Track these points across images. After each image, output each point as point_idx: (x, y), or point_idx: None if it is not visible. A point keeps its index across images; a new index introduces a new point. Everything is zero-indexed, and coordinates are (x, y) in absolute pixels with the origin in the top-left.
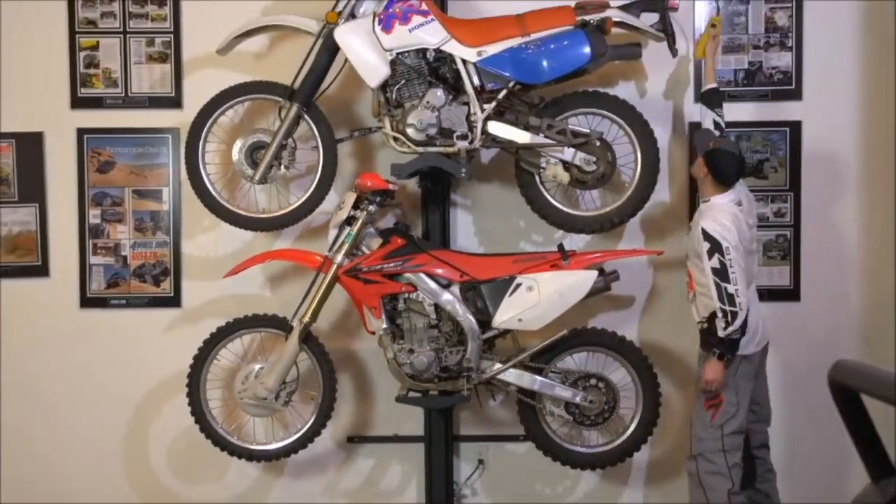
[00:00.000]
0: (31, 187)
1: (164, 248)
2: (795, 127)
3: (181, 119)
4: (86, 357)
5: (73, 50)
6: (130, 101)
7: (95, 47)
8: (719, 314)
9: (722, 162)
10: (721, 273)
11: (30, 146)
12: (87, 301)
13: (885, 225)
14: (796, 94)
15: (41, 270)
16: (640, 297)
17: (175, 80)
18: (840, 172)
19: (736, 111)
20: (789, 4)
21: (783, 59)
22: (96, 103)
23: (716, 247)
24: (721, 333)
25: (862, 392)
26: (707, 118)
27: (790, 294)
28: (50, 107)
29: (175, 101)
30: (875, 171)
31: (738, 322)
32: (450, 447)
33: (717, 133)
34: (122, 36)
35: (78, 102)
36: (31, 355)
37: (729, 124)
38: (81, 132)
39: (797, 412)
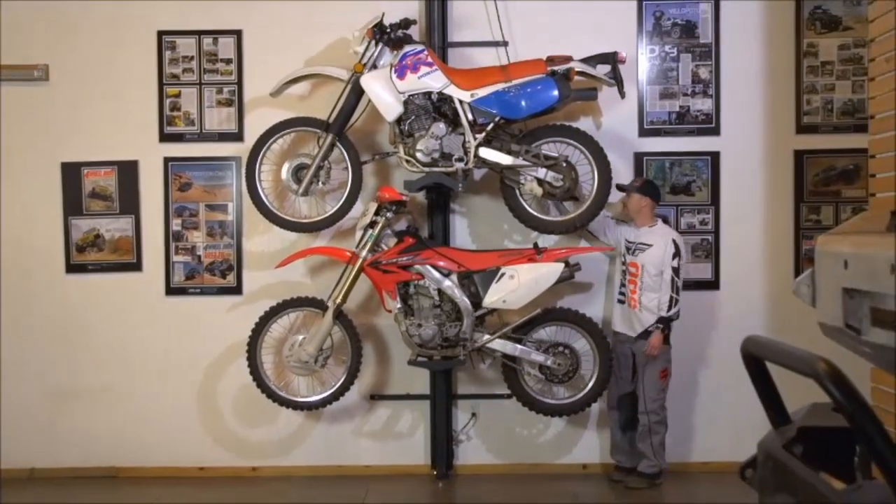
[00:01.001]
0: (129, 202)
1: (229, 249)
2: (715, 156)
3: (242, 149)
4: (169, 333)
5: (161, 97)
6: (204, 136)
7: (178, 95)
8: (670, 301)
9: (653, 188)
10: (677, 271)
11: (128, 171)
12: (171, 290)
13: (784, 231)
14: (716, 131)
15: (136, 266)
16: (597, 283)
17: (238, 120)
18: (749, 190)
19: (670, 144)
20: (710, 62)
21: (706, 104)
22: (178, 138)
23: (678, 253)
24: (667, 314)
25: (766, 360)
26: (600, 220)
27: (711, 285)
28: (143, 141)
29: (238, 136)
30: (776, 190)
31: (679, 306)
32: (450, 403)
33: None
34: (198, 86)
35: (164, 137)
36: (128, 332)
37: (664, 154)
38: (167, 160)
39: (716, 377)
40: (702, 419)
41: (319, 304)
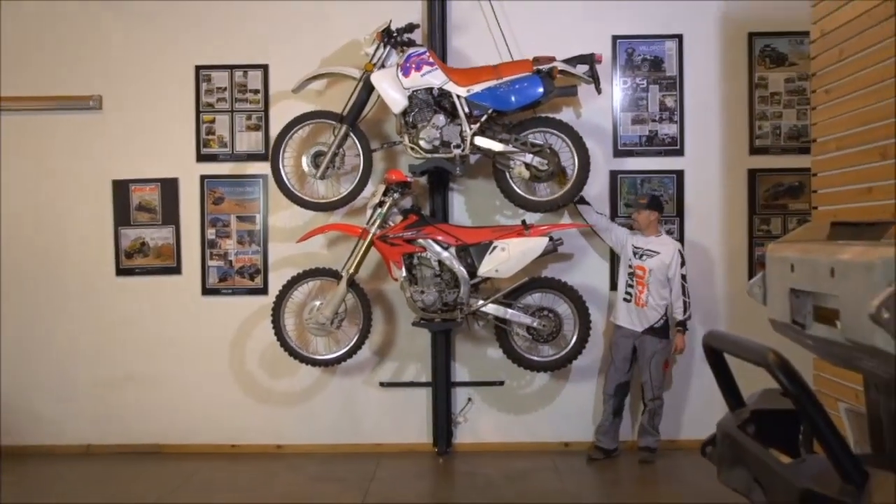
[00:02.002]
0: (170, 214)
1: (257, 255)
2: (680, 174)
3: (268, 169)
4: (205, 328)
5: (198, 123)
6: (235, 157)
7: (213, 121)
8: (683, 305)
9: (657, 202)
10: (685, 277)
11: (169, 187)
12: (206, 291)
13: (740, 239)
14: (680, 152)
15: (176, 270)
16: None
17: (265, 142)
18: (709, 204)
19: (641, 163)
20: (675, 93)
21: (672, 129)
22: (213, 158)
23: (684, 261)
24: (682, 317)
25: (724, 351)
26: (590, 213)
27: None
28: (182, 161)
29: (264, 156)
30: (732, 203)
31: (690, 308)
32: (449, 390)
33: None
34: (230, 114)
35: (201, 157)
36: (169, 327)
37: (635, 172)
38: (203, 177)
39: (684, 367)
40: (671, 402)
41: (335, 274)
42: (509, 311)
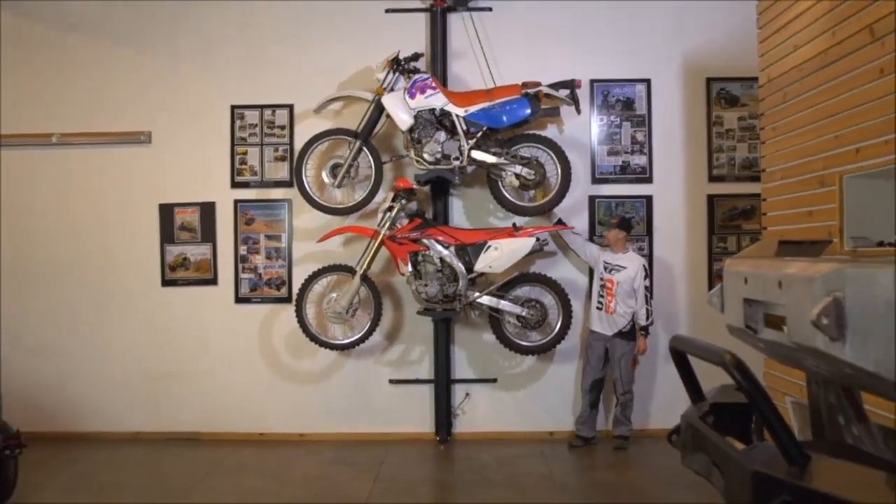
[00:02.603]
0: (208, 233)
1: (282, 269)
2: (649, 199)
3: (293, 194)
4: (238, 331)
5: (233, 155)
6: (264, 184)
7: (245, 153)
8: (646, 312)
9: (627, 223)
10: (648, 288)
11: (208, 210)
12: (239, 300)
13: (700, 255)
14: (649, 180)
15: (213, 282)
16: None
17: (290, 171)
18: (674, 224)
19: (616, 189)
20: (644, 129)
21: (642, 160)
22: (245, 185)
23: (647, 274)
24: (645, 322)
25: (687, 353)
26: (567, 234)
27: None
28: (219, 187)
29: (289, 183)
30: (694, 224)
31: (652, 315)
32: (449, 386)
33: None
34: (260, 146)
35: (235, 184)
36: (207, 330)
37: (611, 197)
38: (236, 201)
39: (651, 366)
40: (640, 396)
41: (349, 269)
42: (502, 301)
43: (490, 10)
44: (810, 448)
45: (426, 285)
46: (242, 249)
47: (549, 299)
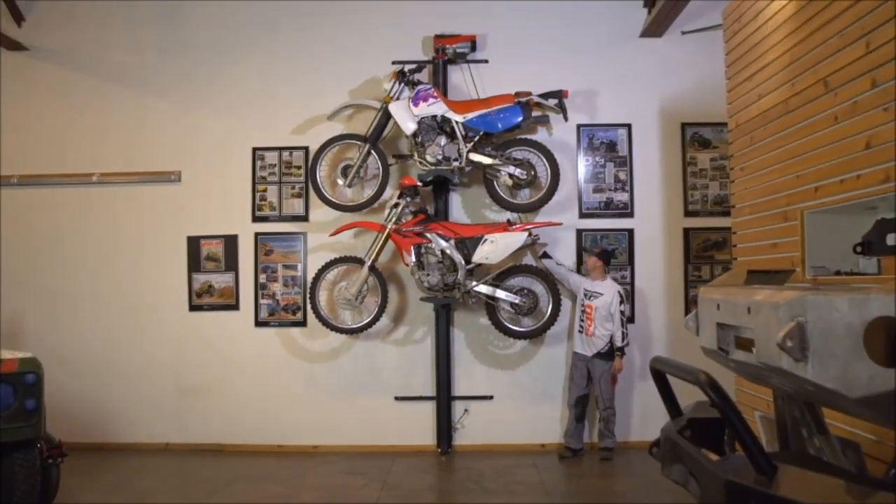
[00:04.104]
0: (231, 263)
1: (298, 296)
2: (631, 232)
3: (308, 227)
4: (258, 352)
5: (254, 192)
6: (282, 218)
7: (265, 191)
8: (622, 335)
9: (606, 255)
10: (623, 313)
11: (231, 242)
12: (258, 323)
13: (677, 282)
14: (631, 215)
15: (235, 307)
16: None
17: (305, 207)
18: (653, 255)
19: (600, 223)
20: (626, 168)
21: (624, 196)
22: (265, 219)
23: (623, 300)
24: (621, 344)
25: (666, 372)
26: (552, 265)
27: (629, 319)
28: (241, 221)
29: (305, 218)
30: (671, 254)
31: (628, 337)
32: (450, 402)
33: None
34: (278, 185)
35: (255, 219)
36: (230, 351)
37: (596, 230)
38: (257, 234)
39: (631, 384)
40: (623, 410)
41: (359, 261)
42: (497, 290)
43: (486, 62)
44: (777, 459)
45: (428, 275)
46: (262, 278)
47: (540, 288)
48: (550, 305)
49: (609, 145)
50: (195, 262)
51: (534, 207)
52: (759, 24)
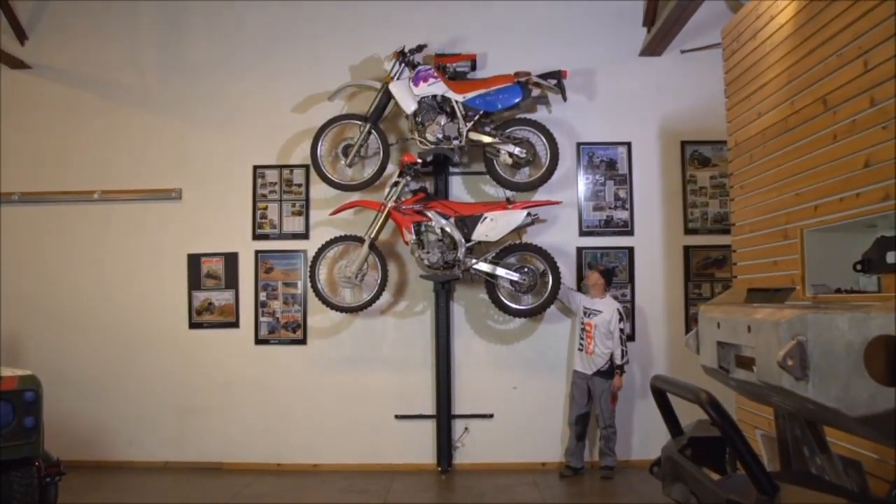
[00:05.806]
0: (231, 280)
1: (298, 314)
2: (631, 250)
3: (307, 245)
4: (257, 370)
5: (254, 210)
6: (282, 236)
7: (266, 208)
8: (621, 353)
9: (608, 274)
10: (623, 332)
11: (231, 260)
12: (258, 341)
13: (677, 300)
14: (631, 233)
15: (235, 325)
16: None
17: (305, 225)
18: (654, 273)
19: (600, 241)
20: (626, 186)
21: (624, 215)
22: (265, 237)
23: (622, 318)
24: (620, 362)
25: (666, 391)
26: (561, 289)
27: (630, 337)
28: (241, 239)
29: (305, 236)
30: (671, 272)
31: (628, 355)
32: (450, 421)
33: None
34: (279, 202)
35: (256, 236)
36: (230, 369)
37: (596, 248)
38: (257, 252)
39: (632, 403)
40: (623, 429)
41: (359, 239)
42: (497, 268)
43: None
44: (778, 478)
45: (428, 253)
46: (262, 295)
47: (540, 266)
48: (551, 282)
49: (609, 163)
50: (195, 279)
51: (533, 186)
52: (757, 42)
